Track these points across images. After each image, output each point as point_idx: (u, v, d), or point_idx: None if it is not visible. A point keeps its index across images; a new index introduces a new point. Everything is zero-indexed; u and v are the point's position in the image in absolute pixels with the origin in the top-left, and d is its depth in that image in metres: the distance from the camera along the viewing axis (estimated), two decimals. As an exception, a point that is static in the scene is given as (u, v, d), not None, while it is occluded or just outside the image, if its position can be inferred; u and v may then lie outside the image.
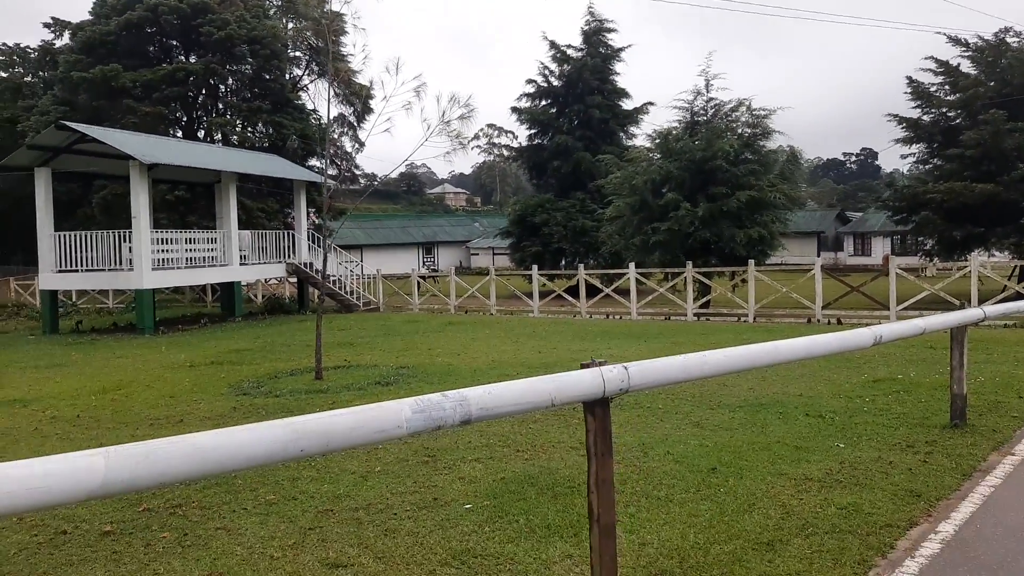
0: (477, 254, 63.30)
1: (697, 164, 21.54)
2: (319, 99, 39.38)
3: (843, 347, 4.71)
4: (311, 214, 39.36)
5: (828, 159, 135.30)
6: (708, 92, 23.17)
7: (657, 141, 23.31)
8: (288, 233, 25.26)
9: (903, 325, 5.56)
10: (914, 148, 25.36)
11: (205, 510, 5.31)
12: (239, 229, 24.14)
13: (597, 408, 3.37)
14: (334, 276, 25.13)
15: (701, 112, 23.65)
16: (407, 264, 56.07)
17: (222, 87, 32.93)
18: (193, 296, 31.25)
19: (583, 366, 3.43)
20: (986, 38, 23.84)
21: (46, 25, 40.27)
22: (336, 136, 38.10)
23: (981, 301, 16.90)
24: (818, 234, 55.24)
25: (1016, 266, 21.41)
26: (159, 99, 29.21)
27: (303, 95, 40.12)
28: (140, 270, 19.02)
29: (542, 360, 11.98)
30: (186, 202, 29.26)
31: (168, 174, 24.00)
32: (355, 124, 40.85)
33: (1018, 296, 17.04)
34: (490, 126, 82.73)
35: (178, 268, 20.41)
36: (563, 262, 34.70)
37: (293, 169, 25.95)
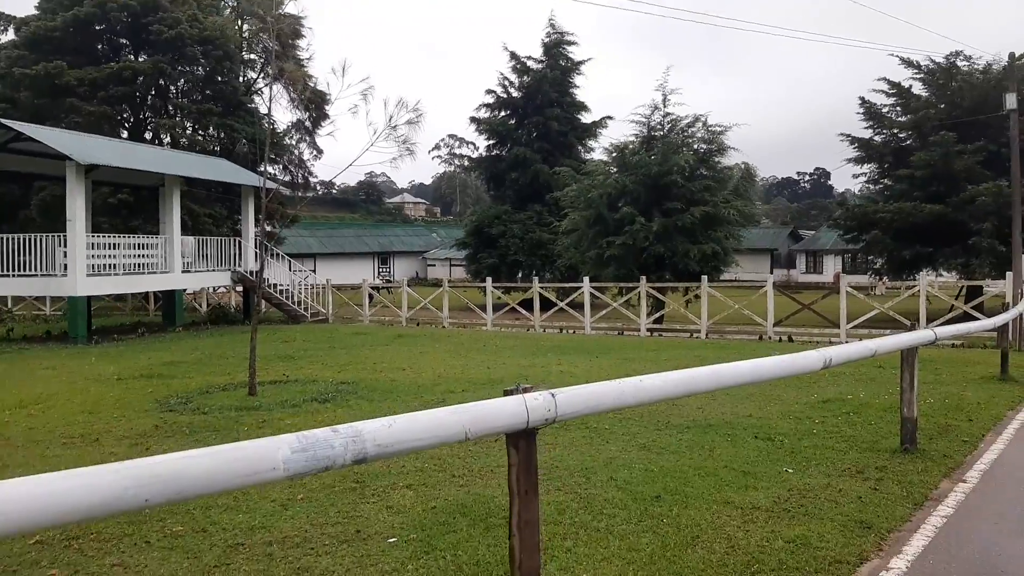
0: (434, 265, 62.73)
1: (653, 179, 21.49)
2: (274, 103, 38.51)
3: (791, 371, 4.44)
4: (260, 221, 38.63)
5: (783, 178, 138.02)
6: (665, 107, 23.19)
7: (614, 155, 23.22)
8: (235, 240, 24.50)
9: (854, 348, 5.34)
10: (865, 168, 25.76)
11: (103, 543, 4.82)
12: (183, 235, 23.38)
13: (521, 441, 3.02)
14: (282, 286, 24.44)
15: (658, 127, 23.65)
16: (362, 274, 55.19)
17: (172, 88, 32.00)
18: (135, 304, 30.13)
19: (506, 392, 3.08)
20: (937, 60, 24.35)
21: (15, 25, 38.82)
22: (292, 142, 37.26)
23: (929, 320, 17.04)
24: (771, 251, 56.01)
25: (963, 286, 21.74)
26: (105, 98, 28.18)
27: (257, 99, 39.36)
28: (74, 276, 18.16)
29: (489, 376, 11.62)
30: (130, 206, 28.26)
31: (111, 176, 23.11)
32: (311, 129, 40.10)
33: (965, 316, 17.22)
34: (451, 136, 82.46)
35: (115, 275, 19.56)
36: (520, 274, 34.46)
37: (240, 174, 25.23)
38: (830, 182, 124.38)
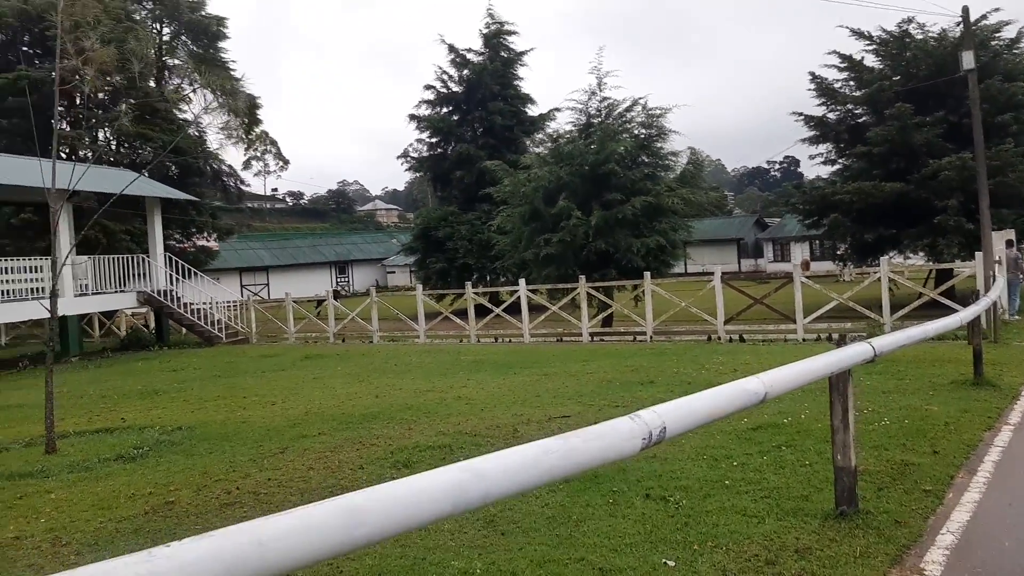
0: (393, 272, 60.63)
1: (590, 168, 19.63)
2: (200, 109, 36.23)
3: (570, 469, 2.49)
4: (197, 236, 36.27)
5: (753, 167, 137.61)
6: (601, 91, 21.31)
7: (548, 145, 21.33)
8: (140, 258, 22.34)
9: (703, 401, 3.38)
10: (821, 148, 24.04)
11: None
12: (78, 255, 21.18)
13: None
14: (196, 305, 22.31)
15: (596, 114, 21.77)
16: (319, 285, 52.94)
17: (76, 97, 29.65)
18: (24, 333, 27.79)
19: None
20: (889, 29, 22.69)
21: None
22: (216, 147, 34.86)
23: (894, 309, 15.35)
24: (737, 241, 54.53)
25: (932, 269, 20.11)
26: (3, 110, 25.90)
27: (186, 107, 37.07)
28: (-66, 307, 16.00)
29: (376, 406, 9.70)
30: (37, 226, 25.93)
31: (4, 195, 20.89)
32: (243, 137, 37.85)
33: (934, 304, 15.53)
34: (419, 141, 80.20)
35: (-10, 303, 17.39)
36: (474, 278, 32.50)
37: (144, 185, 23.08)
38: (799, 169, 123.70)
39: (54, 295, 8.84)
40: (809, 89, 23.36)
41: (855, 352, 4.42)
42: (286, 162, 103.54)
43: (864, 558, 4.00)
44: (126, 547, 5.02)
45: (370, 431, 8.15)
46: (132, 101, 29.75)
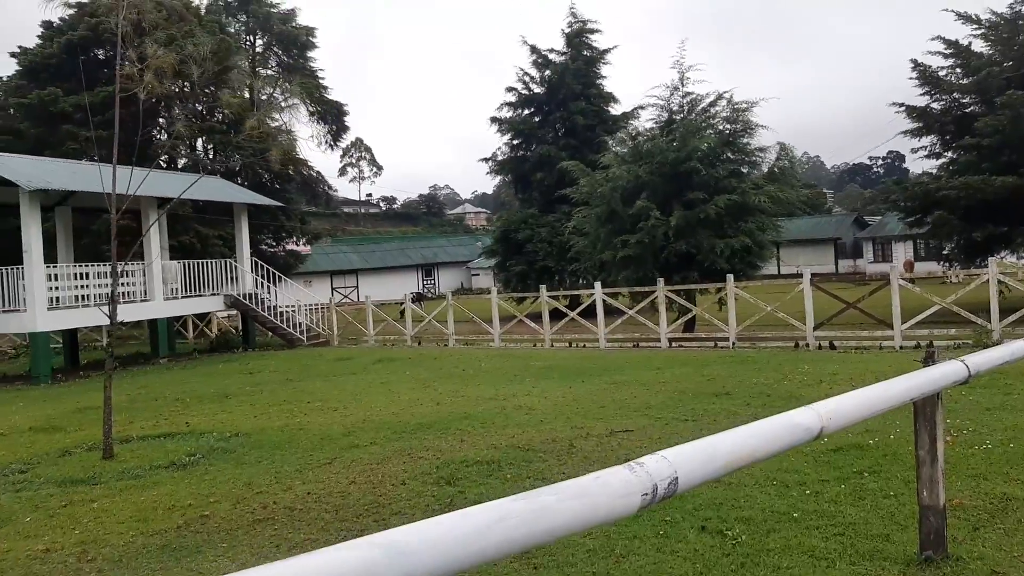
0: (478, 274, 60.81)
1: (671, 166, 18.86)
2: (294, 120, 37.29)
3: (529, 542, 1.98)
4: (287, 241, 37.25)
5: (854, 163, 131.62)
6: (684, 86, 20.49)
7: (628, 143, 20.66)
8: (227, 262, 22.96)
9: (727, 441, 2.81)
10: (924, 140, 22.39)
11: None
12: (171, 260, 21.97)
13: None
14: (282, 307, 22.75)
15: (678, 110, 20.95)
16: (406, 288, 53.65)
17: (175, 108, 30.93)
18: (122, 335, 29.04)
19: None
20: (1000, 12, 20.91)
21: (13, 55, 38.80)
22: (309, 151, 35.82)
23: (1005, 314, 13.99)
24: (834, 240, 52.02)
25: (1051, 270, 18.37)
26: (101, 123, 27.17)
27: (277, 115, 38.15)
28: (33, 310, 16.79)
29: (434, 414, 9.43)
30: (133, 232, 27.12)
31: (93, 202, 21.85)
32: (332, 143, 38.69)
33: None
34: (507, 144, 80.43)
35: (84, 307, 18.13)
36: (555, 280, 32.08)
37: (231, 191, 23.78)
38: (904, 165, 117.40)
39: (113, 301, 8.96)
40: (911, 78, 21.82)
41: (944, 373, 3.75)
42: (380, 168, 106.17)
43: (951, 620, 3.36)
44: (148, 566, 4.85)
45: (422, 442, 7.85)
46: (197, 106, 30.81)
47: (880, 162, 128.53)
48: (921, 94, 22.01)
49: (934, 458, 3.90)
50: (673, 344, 17.22)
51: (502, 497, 1.77)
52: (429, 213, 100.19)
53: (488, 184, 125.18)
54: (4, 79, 30.30)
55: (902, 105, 22.21)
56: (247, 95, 32.86)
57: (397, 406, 10.32)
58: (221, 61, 29.05)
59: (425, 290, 57.59)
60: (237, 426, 9.48)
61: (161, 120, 31.27)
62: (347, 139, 45.35)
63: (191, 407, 11.45)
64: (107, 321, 21.65)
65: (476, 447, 7.43)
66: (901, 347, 14.29)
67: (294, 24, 36.20)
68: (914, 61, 21.87)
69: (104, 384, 8.46)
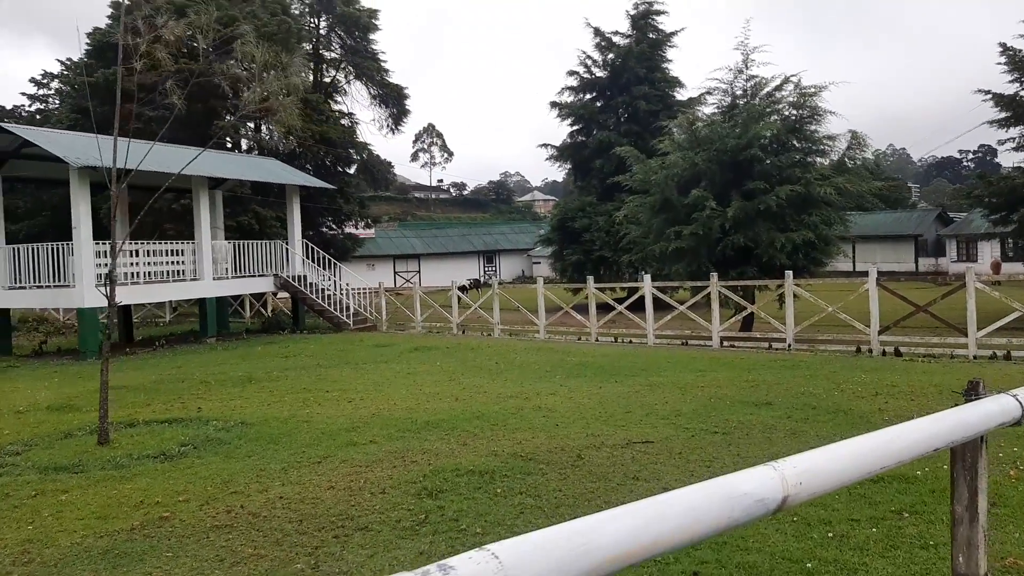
0: (539, 262, 60.04)
1: (731, 154, 17.77)
2: (355, 102, 37.26)
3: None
4: (346, 223, 37.30)
5: (943, 157, 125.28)
6: (748, 69, 19.29)
7: (685, 128, 19.60)
8: (279, 244, 22.93)
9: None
10: (1012, 132, 20.59)
11: None
12: (223, 240, 22.03)
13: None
14: (329, 290, 22.60)
15: (742, 94, 19.76)
16: (467, 274, 53.55)
17: (242, 90, 31.12)
18: (184, 312, 29.64)
19: None
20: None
21: (88, 35, 39.85)
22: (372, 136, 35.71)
23: (1097, 325, 12.59)
24: (915, 237, 49.29)
25: None
26: (163, 103, 27.57)
27: (340, 99, 38.21)
28: (81, 287, 16.95)
29: (448, 411, 8.88)
30: (186, 211, 27.49)
31: (149, 180, 22.09)
32: (393, 127, 38.49)
33: None
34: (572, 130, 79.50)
35: (134, 284, 18.28)
36: (613, 271, 31.20)
37: (284, 172, 23.67)
38: (996, 159, 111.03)
39: (111, 281, 8.65)
40: (999, 63, 20.06)
41: (989, 412, 2.95)
42: (451, 154, 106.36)
43: None
44: (80, 574, 4.43)
45: (422, 443, 7.30)
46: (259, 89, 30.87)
47: (971, 155, 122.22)
48: (1010, 81, 20.24)
49: (974, 516, 3.10)
50: (724, 343, 16.26)
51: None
52: (498, 200, 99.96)
53: (558, 173, 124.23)
54: (75, 60, 31.07)
55: (988, 92, 20.49)
56: (310, 77, 32.82)
57: (414, 400, 9.81)
58: (285, 43, 29.09)
59: (486, 277, 57.32)
60: (245, 414, 9.13)
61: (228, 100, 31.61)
62: (408, 123, 44.96)
63: (212, 391, 11.21)
64: (154, 299, 21.82)
65: (476, 452, 6.84)
66: (975, 356, 13.04)
67: (357, 6, 36.04)
68: (1003, 45, 20.11)
69: (101, 369, 8.16)
